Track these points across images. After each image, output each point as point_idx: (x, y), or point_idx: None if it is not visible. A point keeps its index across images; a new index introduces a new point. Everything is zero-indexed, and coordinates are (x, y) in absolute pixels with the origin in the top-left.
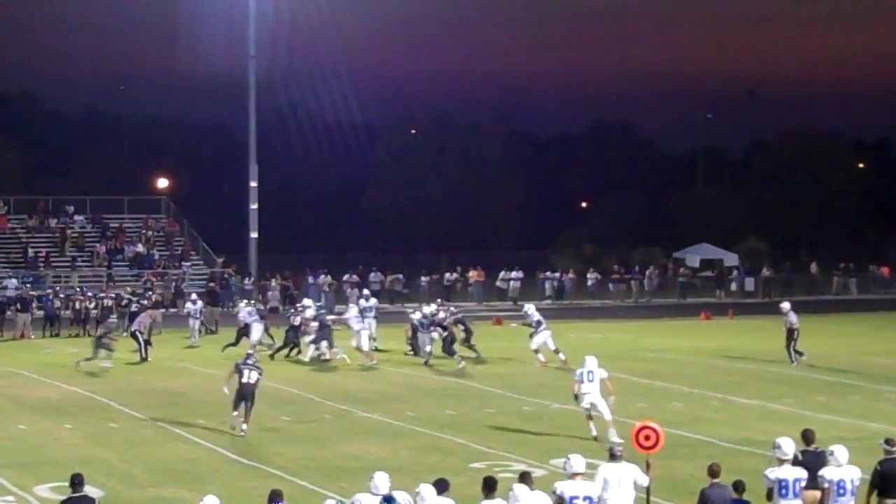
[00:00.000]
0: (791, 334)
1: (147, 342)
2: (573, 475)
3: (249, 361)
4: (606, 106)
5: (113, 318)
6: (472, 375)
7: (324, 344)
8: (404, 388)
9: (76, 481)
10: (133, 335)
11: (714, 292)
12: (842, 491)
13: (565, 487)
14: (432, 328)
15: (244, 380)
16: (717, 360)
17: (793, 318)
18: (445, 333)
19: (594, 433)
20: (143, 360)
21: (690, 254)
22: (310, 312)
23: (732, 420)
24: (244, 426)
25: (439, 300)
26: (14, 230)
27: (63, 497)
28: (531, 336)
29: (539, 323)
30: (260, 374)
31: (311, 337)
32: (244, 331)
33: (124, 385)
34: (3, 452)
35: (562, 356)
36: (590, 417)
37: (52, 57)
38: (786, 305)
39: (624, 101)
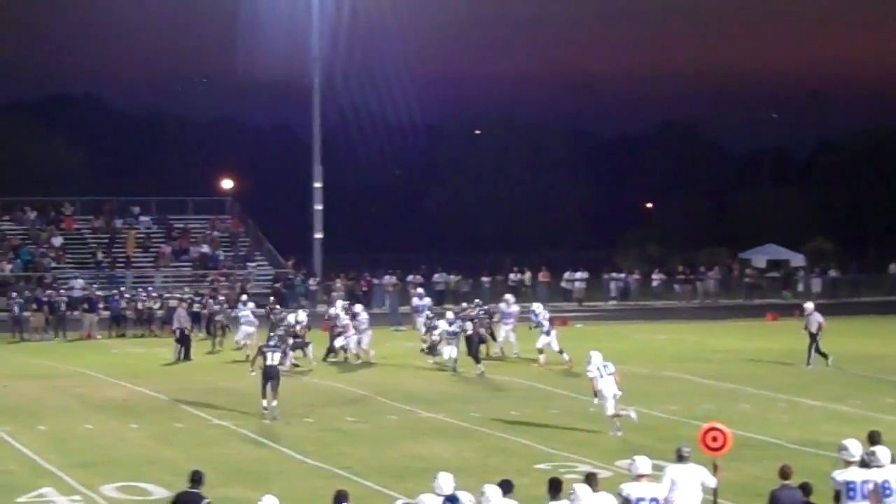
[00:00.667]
0: (814, 336)
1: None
2: (639, 476)
3: (272, 343)
4: (672, 106)
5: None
6: (537, 376)
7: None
8: (469, 388)
9: (195, 478)
10: (175, 332)
11: (780, 293)
12: (888, 492)
13: (631, 489)
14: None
15: (268, 362)
16: (784, 361)
17: (819, 318)
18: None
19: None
20: (184, 359)
21: (756, 254)
22: (302, 316)
23: (799, 421)
24: (273, 402)
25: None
26: (80, 231)
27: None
28: (541, 335)
29: (541, 324)
30: (283, 354)
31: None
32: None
33: (190, 385)
34: (71, 452)
35: (566, 356)
36: (617, 416)
37: (116, 59)
38: (809, 306)
39: (689, 102)
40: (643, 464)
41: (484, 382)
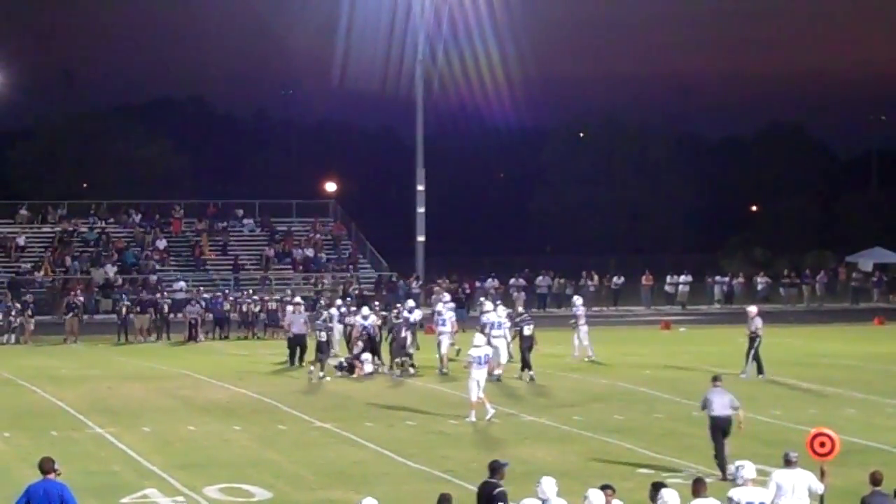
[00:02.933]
0: (753, 341)
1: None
2: (745, 481)
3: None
4: (777, 108)
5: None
6: (640, 380)
7: (366, 356)
8: (572, 392)
9: (493, 467)
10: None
11: (887, 297)
12: None
13: (740, 494)
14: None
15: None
16: (891, 365)
17: (758, 322)
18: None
19: (475, 418)
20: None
21: (863, 258)
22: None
23: None
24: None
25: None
26: (184, 233)
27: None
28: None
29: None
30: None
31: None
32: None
33: (292, 387)
34: (174, 453)
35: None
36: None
37: (221, 63)
38: (752, 309)
39: (795, 103)
40: (750, 469)
41: (585, 386)
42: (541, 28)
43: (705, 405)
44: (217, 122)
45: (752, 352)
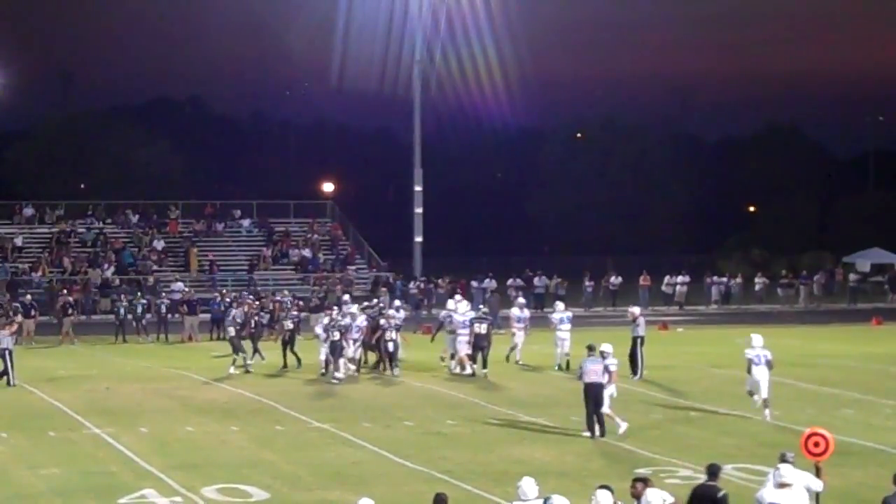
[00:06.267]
0: (635, 342)
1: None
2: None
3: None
4: (775, 109)
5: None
6: (636, 381)
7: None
8: (570, 392)
9: (712, 471)
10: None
11: (885, 297)
12: None
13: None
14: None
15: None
16: (889, 366)
17: (641, 324)
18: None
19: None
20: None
21: (861, 258)
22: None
23: None
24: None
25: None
26: (182, 234)
27: None
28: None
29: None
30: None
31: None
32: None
33: (289, 388)
34: (172, 454)
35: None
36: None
37: (219, 63)
38: (636, 310)
39: (793, 104)
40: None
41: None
42: (538, 29)
43: (580, 373)
44: (215, 122)
45: (640, 351)
